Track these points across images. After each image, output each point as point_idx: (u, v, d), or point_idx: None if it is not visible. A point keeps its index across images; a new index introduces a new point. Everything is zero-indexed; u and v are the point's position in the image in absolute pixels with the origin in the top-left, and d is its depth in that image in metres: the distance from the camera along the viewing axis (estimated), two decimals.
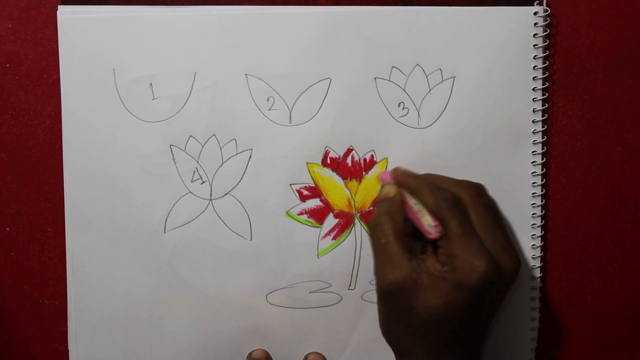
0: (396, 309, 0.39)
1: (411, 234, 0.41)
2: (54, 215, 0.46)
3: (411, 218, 0.40)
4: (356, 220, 0.46)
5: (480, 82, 0.46)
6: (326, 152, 0.46)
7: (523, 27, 0.45)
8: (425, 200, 0.40)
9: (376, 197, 0.46)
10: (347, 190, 0.46)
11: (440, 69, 0.45)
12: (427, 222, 0.39)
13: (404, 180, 0.42)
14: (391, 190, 0.42)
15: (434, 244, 0.40)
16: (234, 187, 0.46)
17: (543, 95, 0.46)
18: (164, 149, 0.45)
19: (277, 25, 0.44)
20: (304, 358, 0.47)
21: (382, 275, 0.39)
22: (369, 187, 0.46)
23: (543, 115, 0.47)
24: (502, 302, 0.40)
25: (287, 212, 0.46)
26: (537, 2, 0.46)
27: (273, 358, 0.47)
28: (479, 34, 0.45)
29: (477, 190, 0.41)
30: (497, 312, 0.40)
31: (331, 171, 0.46)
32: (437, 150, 0.46)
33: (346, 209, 0.46)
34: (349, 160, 0.46)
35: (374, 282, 0.47)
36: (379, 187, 0.46)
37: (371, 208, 0.46)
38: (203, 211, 0.46)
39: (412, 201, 0.41)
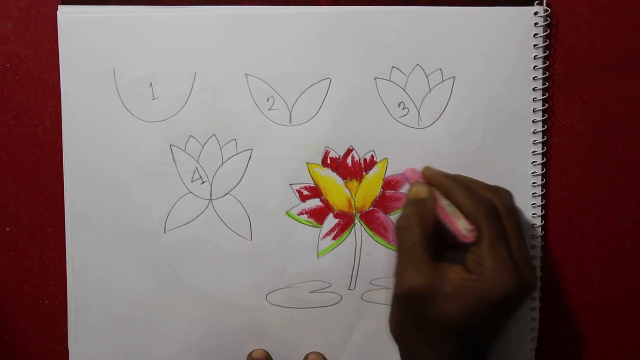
0: (412, 314, 0.38)
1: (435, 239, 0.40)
2: (54, 215, 0.46)
3: (442, 220, 0.39)
4: (356, 221, 0.46)
5: (480, 82, 0.46)
6: (326, 152, 0.46)
7: (523, 27, 0.45)
8: (461, 203, 0.38)
9: (375, 197, 0.46)
10: (347, 191, 0.46)
11: (441, 69, 0.45)
12: (464, 226, 0.38)
13: (438, 180, 0.41)
14: (422, 190, 0.41)
15: (461, 250, 0.39)
16: (234, 187, 0.46)
17: (543, 95, 0.46)
18: (164, 149, 0.45)
19: (277, 25, 0.44)
20: (304, 358, 0.47)
21: (404, 278, 0.38)
22: (369, 187, 0.46)
23: (543, 115, 0.47)
24: (511, 317, 0.40)
25: (287, 212, 0.46)
26: (537, 2, 0.46)
27: (273, 358, 0.47)
28: (479, 34, 0.45)
29: (510, 198, 0.40)
30: (508, 323, 0.40)
31: (331, 171, 0.46)
32: (437, 150, 0.46)
33: (346, 209, 0.46)
34: (349, 160, 0.46)
35: (374, 282, 0.47)
36: (379, 187, 0.46)
37: (371, 208, 0.46)
38: (203, 211, 0.46)
39: (444, 202, 0.39)
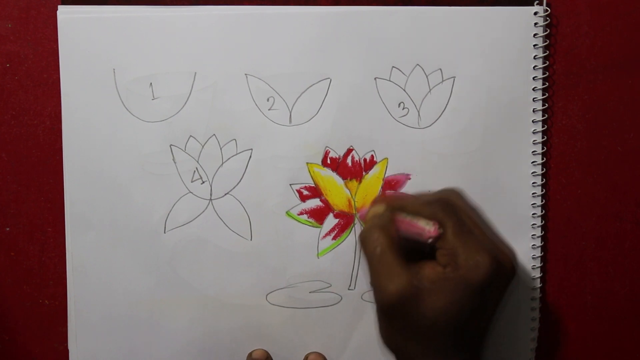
0: (400, 319, 0.38)
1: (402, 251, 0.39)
2: (54, 215, 0.46)
3: (404, 231, 0.39)
4: (356, 221, 0.46)
5: (480, 82, 0.46)
6: (326, 152, 0.46)
7: (523, 27, 0.45)
8: (415, 210, 0.39)
9: (375, 197, 0.46)
10: (347, 190, 0.46)
11: (441, 69, 0.45)
12: (425, 222, 0.38)
13: (389, 200, 0.41)
14: (378, 209, 0.41)
15: (429, 252, 0.39)
16: (234, 187, 0.46)
17: (543, 95, 0.46)
18: (164, 149, 0.45)
19: (277, 25, 0.44)
20: (304, 358, 0.47)
21: (383, 286, 0.37)
22: (369, 187, 0.46)
23: (543, 115, 0.47)
24: (502, 301, 0.40)
25: (287, 212, 0.46)
26: (537, 2, 0.46)
27: (273, 358, 0.47)
28: (479, 34, 0.45)
29: (460, 194, 0.40)
30: (497, 311, 0.40)
31: (331, 171, 0.46)
32: (437, 150, 0.46)
33: (346, 209, 0.46)
34: (349, 160, 0.46)
35: None
36: (379, 187, 0.46)
37: None
38: (203, 211, 0.46)
39: (402, 215, 0.40)
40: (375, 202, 0.42)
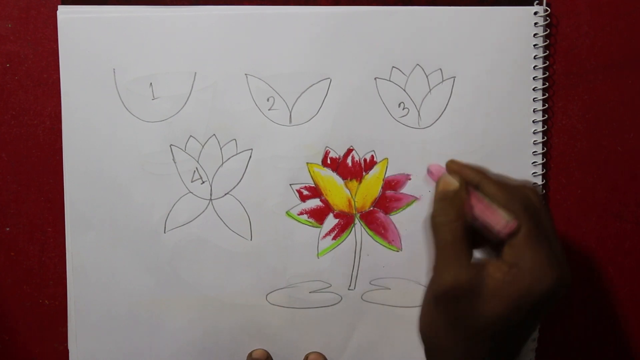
0: (449, 314, 0.36)
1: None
2: (54, 215, 0.46)
3: (477, 213, 0.37)
4: (356, 221, 0.46)
5: (480, 82, 0.46)
6: (326, 152, 0.46)
7: (523, 27, 0.45)
8: (495, 195, 0.36)
9: (375, 197, 0.46)
10: (347, 191, 0.46)
11: (441, 69, 0.45)
12: (504, 215, 0.35)
13: (466, 173, 0.38)
14: (453, 182, 0.38)
15: (491, 248, 0.37)
16: (234, 187, 0.46)
17: (543, 95, 0.46)
18: (164, 149, 0.45)
19: (277, 25, 0.44)
20: (304, 358, 0.47)
21: (443, 275, 0.35)
22: (369, 187, 0.46)
23: (543, 115, 0.47)
24: (545, 315, 0.38)
25: (287, 212, 0.46)
26: (537, 2, 0.46)
27: (273, 358, 0.47)
28: (479, 34, 0.45)
29: (539, 194, 0.38)
30: (539, 324, 0.38)
31: (331, 171, 0.46)
32: (437, 150, 0.46)
33: (346, 209, 0.46)
34: (349, 160, 0.46)
35: (374, 282, 0.47)
36: (379, 187, 0.46)
37: (371, 208, 0.46)
38: (203, 211, 0.46)
39: (479, 195, 0.37)
40: (449, 168, 0.39)
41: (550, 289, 0.34)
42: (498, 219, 0.36)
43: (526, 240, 0.35)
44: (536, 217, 0.35)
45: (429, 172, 0.40)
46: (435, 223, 0.37)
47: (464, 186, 0.37)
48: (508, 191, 0.36)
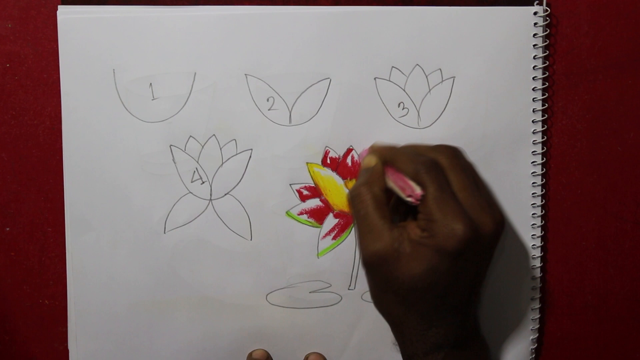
0: (382, 280, 0.39)
1: (393, 204, 0.41)
2: (54, 215, 0.46)
3: (392, 186, 0.40)
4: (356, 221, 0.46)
5: (480, 82, 0.46)
6: (326, 152, 0.46)
7: (523, 27, 0.45)
8: (403, 166, 0.39)
9: None
10: (347, 190, 0.46)
11: (440, 69, 0.45)
12: (402, 190, 0.39)
13: (382, 151, 0.42)
14: (371, 160, 0.42)
15: (415, 211, 0.39)
16: (234, 187, 0.46)
17: (543, 95, 0.46)
18: (164, 149, 0.45)
19: (277, 25, 0.44)
20: (304, 358, 0.47)
21: (365, 246, 0.39)
22: None
23: (543, 115, 0.47)
24: (488, 264, 0.40)
25: (287, 212, 0.46)
26: (537, 2, 0.46)
27: (273, 358, 0.47)
28: (479, 34, 0.45)
29: (454, 153, 0.40)
30: (484, 273, 0.40)
31: (331, 171, 0.46)
32: None
33: (346, 209, 0.46)
34: (349, 160, 0.46)
35: None
36: None
37: None
38: (203, 211, 0.46)
39: (393, 169, 0.40)
40: (371, 149, 0.43)
41: (462, 241, 0.36)
42: (406, 187, 0.38)
43: (431, 202, 0.37)
44: (440, 179, 0.38)
45: (360, 156, 0.45)
46: (350, 198, 0.41)
47: (378, 163, 0.41)
48: (414, 160, 0.39)
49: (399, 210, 0.42)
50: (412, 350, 0.40)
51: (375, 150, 0.43)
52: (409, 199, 0.38)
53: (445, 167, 0.39)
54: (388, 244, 0.38)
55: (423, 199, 0.38)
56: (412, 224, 0.38)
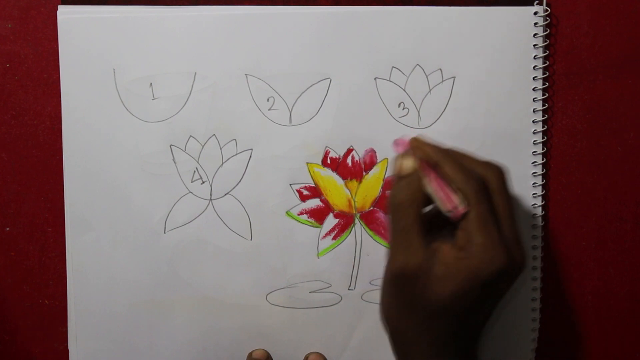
0: (404, 296, 0.37)
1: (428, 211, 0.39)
2: (54, 215, 0.46)
3: (432, 194, 0.38)
4: (356, 221, 0.46)
5: (480, 82, 0.46)
6: (326, 152, 0.46)
7: (523, 27, 0.45)
8: (451, 177, 0.37)
9: (376, 197, 0.46)
10: (347, 190, 0.46)
11: (441, 69, 0.45)
12: (446, 204, 0.37)
13: (426, 152, 0.39)
14: (409, 163, 0.39)
15: (450, 226, 0.38)
16: (234, 187, 0.46)
17: (543, 95, 0.46)
18: (164, 149, 0.45)
19: (277, 25, 0.44)
20: (304, 358, 0.47)
21: (396, 259, 0.37)
22: (369, 188, 0.46)
23: (543, 115, 0.47)
24: (501, 300, 0.40)
25: (287, 212, 0.46)
26: (537, 2, 0.46)
27: (273, 358, 0.47)
28: (479, 34, 0.45)
29: (503, 175, 0.38)
30: (494, 309, 0.40)
31: (331, 171, 0.46)
32: None
33: (346, 209, 0.46)
34: (349, 160, 0.46)
35: (374, 282, 0.47)
36: (379, 187, 0.46)
37: (371, 208, 0.46)
38: (203, 211, 0.46)
39: (429, 177, 0.38)
40: (412, 145, 0.39)
41: (498, 271, 0.35)
42: (450, 200, 0.37)
43: (475, 224, 0.36)
44: (488, 201, 0.36)
45: (396, 144, 0.40)
46: (395, 204, 0.38)
47: (419, 167, 0.38)
48: (464, 173, 0.37)
49: (431, 219, 0.39)
50: None
51: (415, 147, 0.39)
52: (449, 214, 0.37)
53: (493, 189, 0.37)
54: (423, 262, 0.36)
55: (465, 216, 0.36)
56: (448, 246, 0.37)
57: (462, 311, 0.36)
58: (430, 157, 0.38)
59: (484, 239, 0.35)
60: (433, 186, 0.37)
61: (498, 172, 0.38)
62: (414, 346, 0.38)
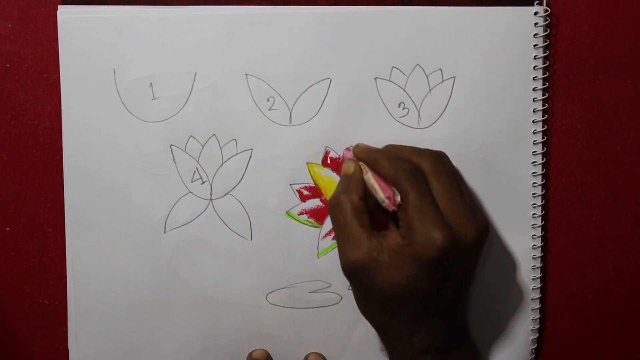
0: (363, 288, 0.39)
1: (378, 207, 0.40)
2: (54, 215, 0.46)
3: (371, 191, 0.40)
4: None
5: (480, 82, 0.46)
6: (326, 152, 0.46)
7: (523, 27, 0.45)
8: (384, 172, 0.39)
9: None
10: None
11: (441, 69, 0.45)
12: (380, 197, 0.39)
13: (363, 154, 0.41)
14: (350, 166, 0.41)
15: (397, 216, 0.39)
16: (234, 187, 0.46)
17: (543, 95, 0.46)
18: (164, 149, 0.45)
19: (277, 25, 0.44)
20: (304, 358, 0.47)
21: (344, 255, 0.39)
22: None
23: (543, 115, 0.47)
24: (473, 269, 0.40)
25: (287, 212, 0.46)
26: (537, 2, 0.46)
27: (273, 358, 0.47)
28: (479, 34, 0.45)
29: (438, 158, 0.40)
30: (469, 279, 0.40)
31: (331, 171, 0.46)
32: None
33: None
34: None
35: None
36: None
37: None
38: (203, 211, 0.46)
39: (366, 176, 0.40)
40: (354, 151, 0.42)
41: (440, 253, 0.36)
42: (386, 194, 0.38)
43: (411, 211, 0.37)
44: (421, 186, 0.38)
45: (346, 150, 0.44)
46: (332, 205, 0.40)
47: (357, 170, 0.41)
48: (396, 164, 0.38)
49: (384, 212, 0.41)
50: (397, 356, 0.40)
51: (356, 153, 0.42)
52: (384, 204, 0.38)
53: (428, 173, 0.39)
54: (366, 253, 0.37)
55: (401, 206, 0.38)
56: (393, 233, 0.38)
57: (419, 294, 0.37)
58: (367, 158, 0.41)
59: (419, 222, 0.36)
60: (371, 182, 0.40)
61: (431, 156, 0.40)
62: (389, 332, 0.39)
